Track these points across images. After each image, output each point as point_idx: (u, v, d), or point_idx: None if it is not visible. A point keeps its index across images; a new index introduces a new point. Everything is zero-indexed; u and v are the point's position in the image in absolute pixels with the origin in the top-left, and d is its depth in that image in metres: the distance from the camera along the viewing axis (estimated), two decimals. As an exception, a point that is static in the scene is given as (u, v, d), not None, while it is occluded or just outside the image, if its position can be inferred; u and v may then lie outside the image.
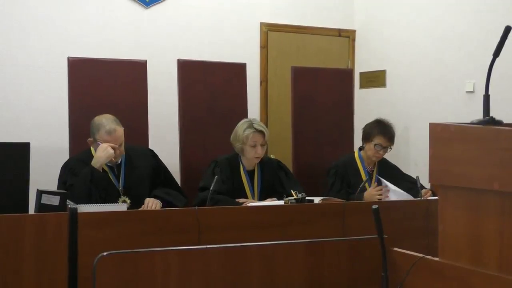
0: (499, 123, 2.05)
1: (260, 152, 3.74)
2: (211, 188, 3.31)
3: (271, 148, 5.45)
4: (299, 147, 4.67)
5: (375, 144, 4.04)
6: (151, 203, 3.38)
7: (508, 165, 1.85)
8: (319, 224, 3.21)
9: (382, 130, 4.05)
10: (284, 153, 4.89)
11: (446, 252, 2.11)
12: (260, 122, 3.93)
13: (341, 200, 3.66)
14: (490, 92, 2.13)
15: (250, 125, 3.77)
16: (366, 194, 3.91)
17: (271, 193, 3.80)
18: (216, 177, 3.44)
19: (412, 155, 5.15)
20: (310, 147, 4.69)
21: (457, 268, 2.05)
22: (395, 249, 2.36)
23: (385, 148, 4.06)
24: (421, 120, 5.00)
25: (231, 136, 3.83)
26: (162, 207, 3.42)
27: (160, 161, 3.78)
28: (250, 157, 3.76)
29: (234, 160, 3.82)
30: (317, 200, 3.43)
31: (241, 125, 3.80)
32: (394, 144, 4.17)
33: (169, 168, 3.84)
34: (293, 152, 4.69)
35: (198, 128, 4.39)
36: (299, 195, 3.32)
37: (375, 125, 4.10)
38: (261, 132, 3.76)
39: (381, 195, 3.85)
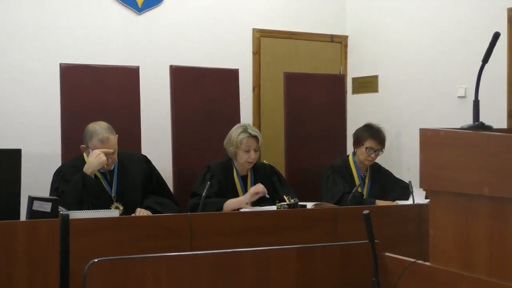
0: (489, 128, 2.06)
1: (253, 157, 3.75)
2: (203, 194, 3.32)
3: (263, 153, 5.45)
4: (292, 152, 4.69)
5: (366, 148, 4.05)
6: (140, 214, 3.37)
7: (497, 170, 1.86)
8: (311, 229, 3.21)
9: (372, 134, 4.07)
10: (276, 158, 4.90)
11: (437, 256, 2.12)
12: (254, 127, 3.95)
13: (333, 205, 3.67)
14: (480, 98, 2.15)
15: (245, 129, 3.78)
16: None
17: (264, 198, 3.80)
18: (208, 183, 3.44)
19: (405, 160, 5.17)
20: (303, 152, 4.70)
21: (447, 273, 2.06)
22: (387, 254, 2.36)
23: (376, 151, 4.08)
24: (414, 125, 5.01)
25: (225, 140, 3.84)
26: None
27: (153, 167, 3.77)
28: (243, 162, 3.77)
29: (227, 165, 3.82)
30: (309, 205, 3.44)
31: (236, 130, 3.81)
32: (386, 149, 4.19)
33: (162, 174, 3.84)
34: (285, 157, 4.70)
35: (191, 134, 4.39)
36: (292, 200, 3.32)
37: (365, 129, 4.13)
38: (255, 137, 3.77)
39: None
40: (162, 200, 3.61)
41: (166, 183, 3.80)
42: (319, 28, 5.74)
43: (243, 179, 3.82)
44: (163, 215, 3.28)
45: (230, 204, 3.60)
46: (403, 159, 5.20)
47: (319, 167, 4.31)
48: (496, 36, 2.12)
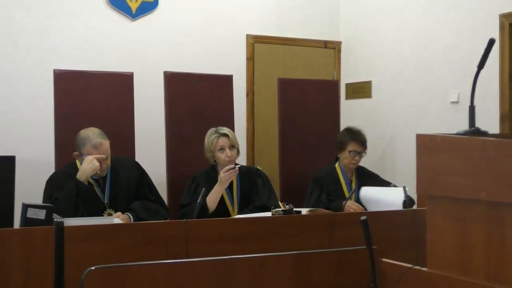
0: (485, 133, 2.07)
1: (230, 154, 3.74)
2: (198, 200, 3.31)
3: (258, 158, 5.46)
4: (286, 158, 4.69)
5: (349, 151, 4.11)
6: (118, 218, 3.35)
7: (494, 175, 1.87)
8: (307, 235, 3.20)
9: (353, 137, 4.14)
10: (271, 164, 4.90)
11: (434, 262, 2.12)
12: (225, 127, 3.93)
13: (329, 211, 3.66)
14: (474, 103, 2.15)
15: (214, 131, 3.83)
16: (346, 205, 3.89)
17: (252, 203, 3.79)
18: (203, 189, 3.43)
19: (398, 165, 5.18)
20: (297, 157, 4.71)
21: (445, 278, 2.06)
22: (384, 259, 2.36)
23: (359, 153, 4.13)
24: (407, 130, 5.04)
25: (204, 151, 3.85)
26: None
27: (145, 173, 3.76)
28: (223, 163, 3.76)
29: (211, 173, 3.82)
30: (304, 211, 3.43)
31: (207, 135, 3.85)
32: (380, 155, 4.21)
33: (156, 179, 3.83)
34: (280, 163, 4.70)
35: (185, 140, 4.38)
36: (287, 207, 3.31)
37: (345, 133, 4.21)
38: (225, 135, 3.78)
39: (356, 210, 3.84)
40: (150, 206, 3.59)
41: (157, 189, 3.78)
42: (313, 34, 5.76)
43: (229, 185, 3.80)
44: (159, 222, 3.26)
45: (211, 198, 3.60)
46: (396, 165, 5.21)
47: (313, 172, 4.31)
48: (492, 42, 2.13)
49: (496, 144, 1.89)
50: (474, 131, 2.08)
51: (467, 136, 2.03)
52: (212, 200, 3.62)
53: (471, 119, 2.15)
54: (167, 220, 3.46)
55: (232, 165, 3.63)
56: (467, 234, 2.00)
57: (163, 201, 3.80)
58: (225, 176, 3.60)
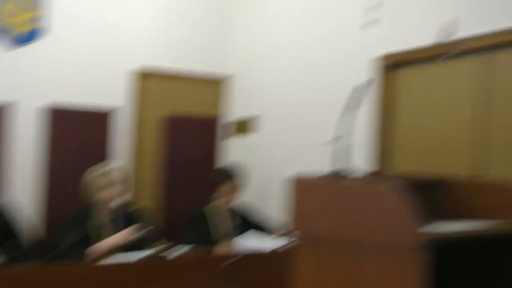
0: (347, 175, 2.14)
1: (111, 193, 3.64)
2: (67, 242, 3.17)
3: (141, 195, 5.32)
4: (167, 195, 4.63)
5: (223, 191, 4.18)
6: None
7: (354, 216, 1.92)
8: (178, 278, 3.10)
9: (225, 176, 4.25)
10: (153, 201, 4.79)
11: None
12: (109, 165, 3.84)
13: (204, 251, 3.63)
14: (351, 141, 2.24)
15: (95, 169, 3.73)
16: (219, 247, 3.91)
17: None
18: (76, 230, 3.30)
19: (278, 203, 5.18)
20: (178, 195, 4.65)
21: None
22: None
23: (233, 192, 4.21)
24: (290, 167, 5.08)
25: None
26: None
27: (8, 214, 3.53)
28: (102, 202, 3.65)
29: (87, 213, 3.68)
30: (181, 250, 3.35)
31: (87, 174, 3.74)
32: (259, 193, 4.27)
33: (32, 219, 3.60)
34: (160, 200, 4.63)
35: (63, 178, 4.20)
36: (162, 247, 3.22)
37: (217, 174, 4.33)
38: (106, 173, 3.70)
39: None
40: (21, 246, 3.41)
41: (18, 231, 3.53)
42: (200, 69, 5.77)
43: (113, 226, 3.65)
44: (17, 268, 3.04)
45: (102, 246, 3.46)
46: (276, 203, 5.19)
47: (195, 210, 4.27)
48: (369, 82, 2.23)
49: (352, 188, 1.95)
50: (337, 174, 2.14)
51: (328, 179, 2.08)
52: (101, 248, 3.47)
53: (346, 158, 2.22)
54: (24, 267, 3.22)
55: (138, 228, 3.54)
56: (329, 273, 2.03)
57: (20, 242, 3.55)
58: (127, 234, 3.51)
